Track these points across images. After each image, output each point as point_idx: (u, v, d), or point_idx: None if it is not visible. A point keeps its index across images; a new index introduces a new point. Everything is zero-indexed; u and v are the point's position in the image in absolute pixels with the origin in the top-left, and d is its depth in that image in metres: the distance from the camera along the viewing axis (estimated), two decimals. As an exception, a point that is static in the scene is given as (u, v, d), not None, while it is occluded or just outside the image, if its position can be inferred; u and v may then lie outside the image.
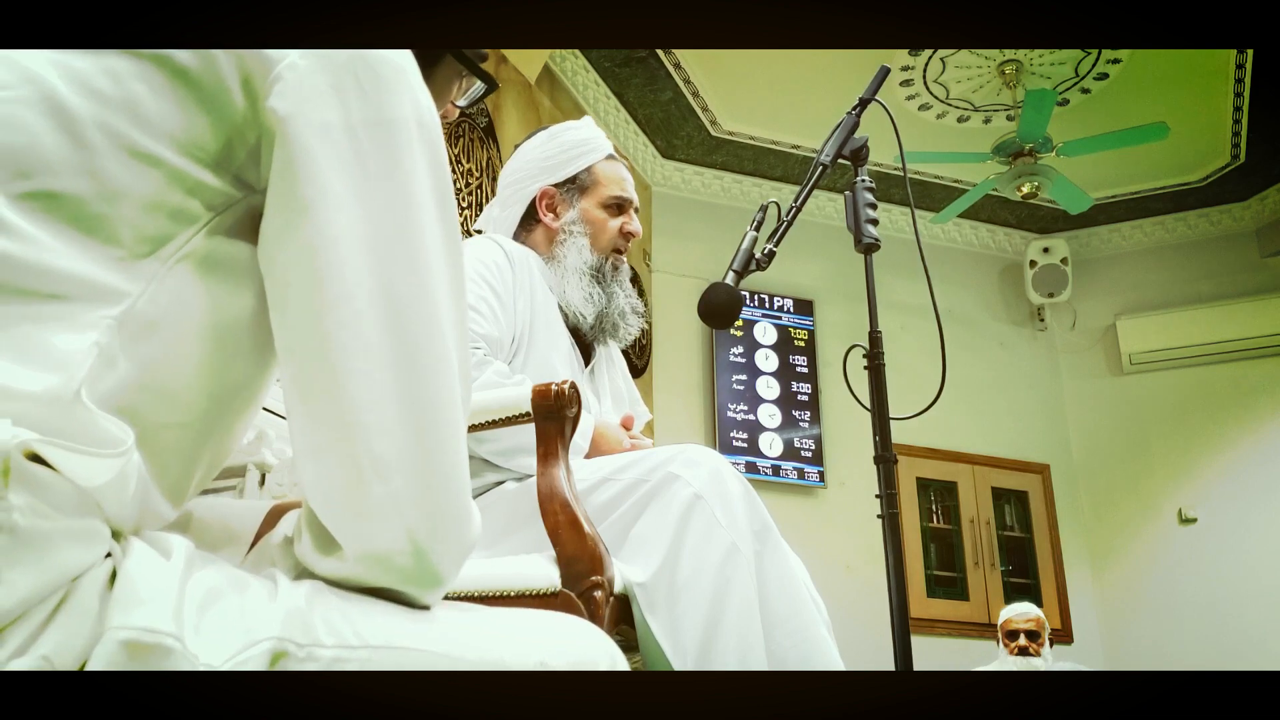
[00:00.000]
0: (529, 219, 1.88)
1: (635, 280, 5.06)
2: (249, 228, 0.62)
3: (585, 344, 1.85)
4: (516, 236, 1.89)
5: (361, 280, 0.59)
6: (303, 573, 0.63)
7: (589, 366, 1.84)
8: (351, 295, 0.59)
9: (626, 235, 1.86)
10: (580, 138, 1.89)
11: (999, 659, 3.95)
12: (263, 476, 1.77)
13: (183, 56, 0.60)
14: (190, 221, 0.60)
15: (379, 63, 0.62)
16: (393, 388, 0.59)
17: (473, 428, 1.38)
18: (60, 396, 0.53)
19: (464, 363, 0.65)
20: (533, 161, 1.89)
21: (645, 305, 5.16)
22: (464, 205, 3.84)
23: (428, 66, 0.75)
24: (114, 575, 0.52)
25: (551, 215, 1.85)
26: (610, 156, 1.90)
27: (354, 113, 0.61)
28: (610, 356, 1.89)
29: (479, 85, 0.85)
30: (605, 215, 1.84)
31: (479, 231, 2.04)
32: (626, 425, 1.70)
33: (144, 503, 0.59)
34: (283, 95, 0.59)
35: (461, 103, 0.85)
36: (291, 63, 0.60)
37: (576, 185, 1.85)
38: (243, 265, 0.62)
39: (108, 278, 0.56)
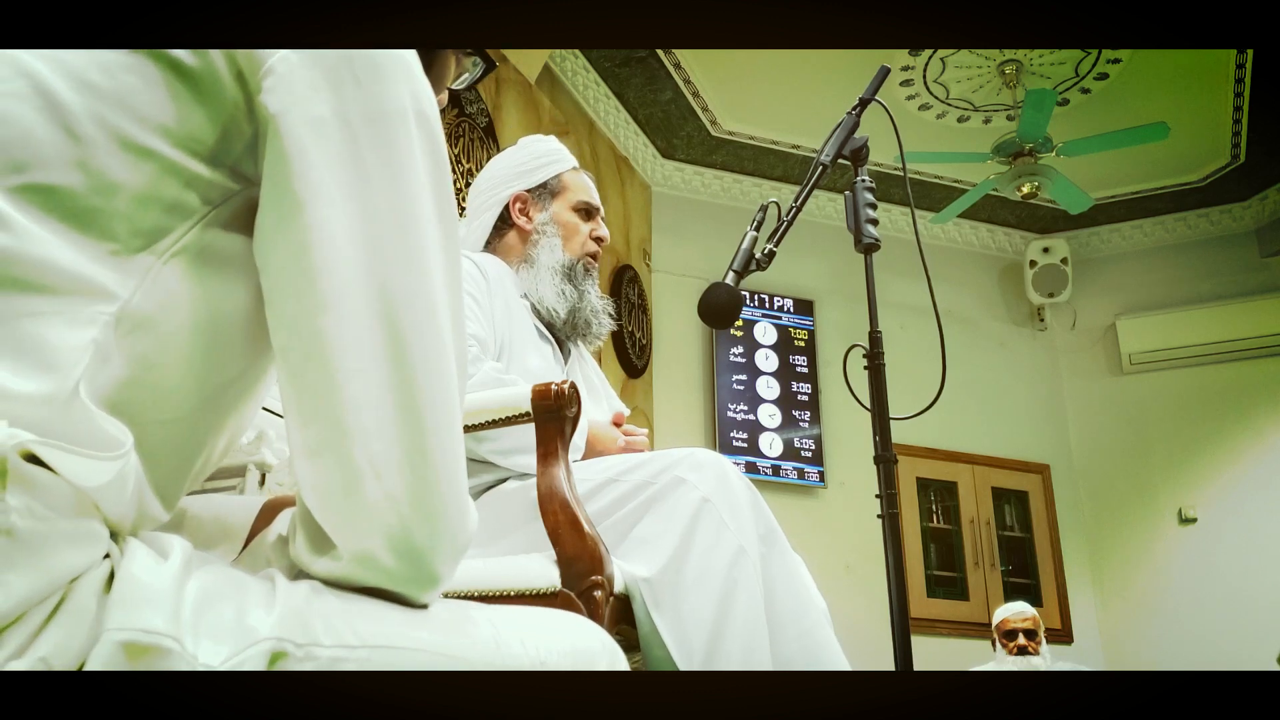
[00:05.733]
0: (501, 225, 1.93)
1: (635, 280, 5.08)
2: (247, 220, 0.61)
3: (558, 345, 1.89)
4: (488, 244, 1.94)
5: (357, 277, 0.58)
6: (300, 572, 0.62)
7: (565, 367, 1.88)
8: (347, 293, 0.58)
9: (597, 240, 1.94)
10: (550, 148, 1.98)
11: (995, 659, 3.95)
12: (263, 476, 1.76)
13: (176, 50, 0.59)
14: (186, 215, 0.59)
15: (377, 52, 0.61)
16: (389, 387, 0.58)
17: (472, 427, 1.38)
18: (57, 396, 0.52)
19: (461, 360, 0.64)
20: (505, 168, 1.95)
21: (645, 305, 5.19)
22: (463, 206, 3.83)
23: (426, 51, 0.74)
24: (112, 576, 0.51)
25: (525, 218, 1.91)
26: (576, 169, 1.98)
27: (350, 104, 0.60)
28: (581, 354, 1.95)
29: (477, 68, 0.84)
30: (576, 219, 1.92)
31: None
32: (617, 423, 1.72)
33: (139, 503, 0.59)
34: (274, 90, 0.59)
35: (460, 85, 0.84)
36: (284, 56, 0.59)
37: (547, 190, 1.92)
38: (239, 259, 0.61)
39: (102, 272, 0.56)
